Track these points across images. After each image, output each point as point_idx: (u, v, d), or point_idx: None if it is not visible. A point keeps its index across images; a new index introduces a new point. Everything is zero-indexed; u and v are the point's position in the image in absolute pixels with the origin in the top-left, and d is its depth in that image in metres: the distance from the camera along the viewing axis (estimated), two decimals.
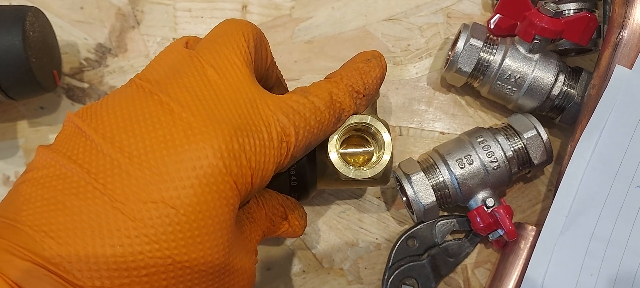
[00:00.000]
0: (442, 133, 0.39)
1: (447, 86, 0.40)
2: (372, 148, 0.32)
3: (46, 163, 0.23)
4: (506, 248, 0.36)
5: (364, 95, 0.29)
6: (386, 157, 0.30)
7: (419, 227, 0.37)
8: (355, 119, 0.30)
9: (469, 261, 0.38)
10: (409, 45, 0.40)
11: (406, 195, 0.36)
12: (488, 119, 0.40)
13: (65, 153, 0.23)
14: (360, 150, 0.32)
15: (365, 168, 0.30)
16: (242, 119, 0.24)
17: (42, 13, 0.35)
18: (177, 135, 0.22)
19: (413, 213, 0.36)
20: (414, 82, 0.40)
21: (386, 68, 0.30)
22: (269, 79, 0.31)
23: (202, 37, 0.39)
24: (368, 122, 0.30)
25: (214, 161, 0.22)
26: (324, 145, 0.29)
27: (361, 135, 0.32)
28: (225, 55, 0.25)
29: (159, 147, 0.22)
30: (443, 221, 0.37)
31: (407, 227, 0.38)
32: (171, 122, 0.23)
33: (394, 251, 0.36)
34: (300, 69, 0.40)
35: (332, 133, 0.29)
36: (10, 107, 0.38)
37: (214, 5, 0.40)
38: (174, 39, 0.39)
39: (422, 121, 0.39)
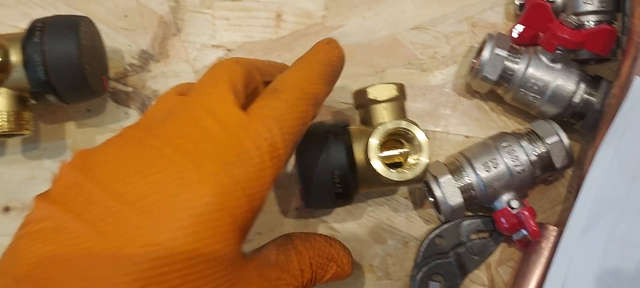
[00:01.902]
0: (467, 137, 0.41)
1: (471, 92, 0.42)
2: (407, 149, 0.34)
3: (43, 216, 0.23)
4: (529, 247, 0.38)
5: (333, 71, 0.30)
6: (424, 159, 0.32)
7: (445, 226, 0.39)
8: (391, 125, 0.32)
9: (493, 259, 0.40)
10: (435, 52, 0.42)
11: (434, 196, 0.38)
12: (511, 124, 0.42)
13: (62, 203, 0.23)
14: (396, 152, 0.34)
15: (406, 171, 0.32)
16: (232, 150, 0.24)
17: (93, 22, 0.37)
18: (170, 179, 0.23)
19: (440, 214, 0.38)
20: (440, 88, 0.42)
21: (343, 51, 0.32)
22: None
23: (237, 46, 0.41)
24: (404, 127, 0.32)
25: (207, 200, 0.22)
26: (364, 150, 0.31)
27: (395, 138, 0.34)
28: (214, 95, 0.26)
29: (153, 192, 0.22)
30: (468, 221, 0.39)
31: (433, 226, 0.40)
32: (163, 166, 0.23)
33: (423, 249, 0.39)
34: None
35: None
36: (59, 109, 0.40)
37: (250, 14, 0.42)
38: (213, 46, 0.42)
39: (447, 125, 0.41)
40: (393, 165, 0.34)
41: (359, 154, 0.34)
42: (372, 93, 0.35)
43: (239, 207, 0.23)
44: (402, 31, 0.42)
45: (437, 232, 0.39)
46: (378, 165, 0.31)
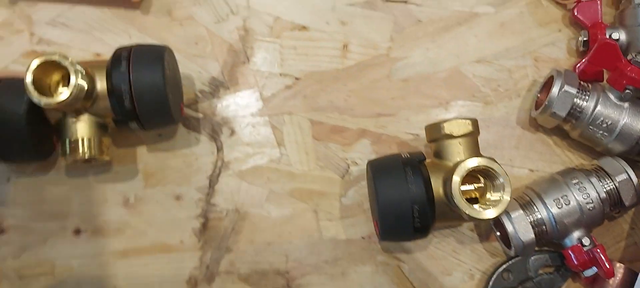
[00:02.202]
0: (531, 171, 0.42)
1: (535, 126, 0.42)
2: (482, 185, 0.35)
3: None
4: (595, 283, 0.38)
5: None
6: (507, 197, 0.32)
7: (513, 260, 0.39)
8: (473, 163, 0.32)
9: None
10: (498, 85, 0.43)
11: (502, 231, 0.38)
12: (575, 159, 0.42)
13: None
14: (471, 187, 0.35)
15: (490, 208, 0.32)
16: None
17: (172, 51, 0.38)
18: None
19: (510, 248, 0.38)
20: (503, 121, 0.42)
21: None
22: None
23: (304, 74, 0.42)
24: (489, 165, 0.32)
25: None
26: (442, 185, 0.32)
27: (471, 173, 0.35)
28: None
29: None
30: (536, 256, 0.39)
31: (498, 259, 0.40)
32: None
33: (491, 283, 0.39)
34: (397, 106, 0.42)
35: None
36: (132, 134, 0.41)
37: (317, 44, 0.43)
38: (281, 74, 0.42)
39: (512, 159, 0.42)
40: (469, 200, 0.34)
41: (436, 188, 0.34)
42: (448, 128, 0.35)
43: None
44: (465, 64, 0.43)
45: (505, 266, 0.39)
46: (463, 204, 0.32)
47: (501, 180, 0.33)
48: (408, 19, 0.43)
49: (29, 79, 0.32)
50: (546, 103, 0.39)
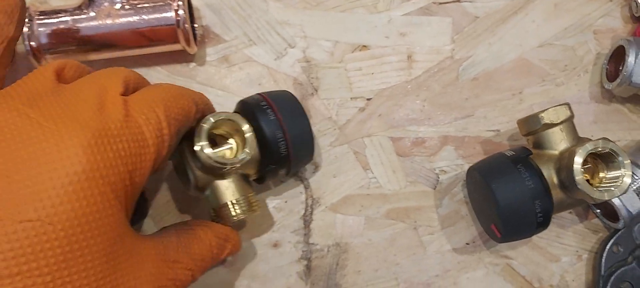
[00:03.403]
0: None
1: (608, 97, 0.43)
2: (590, 165, 0.35)
3: None
4: None
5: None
6: (628, 174, 0.32)
7: (620, 233, 0.39)
8: (592, 145, 0.32)
9: None
10: (565, 65, 0.43)
11: (605, 205, 0.38)
12: None
13: None
14: (582, 169, 0.35)
15: (612, 188, 0.32)
16: (115, 125, 0.24)
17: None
18: (48, 149, 0.22)
19: (616, 221, 0.38)
20: (577, 98, 0.43)
21: None
22: None
23: (374, 94, 0.41)
24: (606, 145, 0.32)
25: (85, 168, 0.22)
26: (556, 174, 0.32)
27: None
28: (104, 79, 0.27)
29: (30, 162, 0.22)
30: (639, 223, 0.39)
31: (601, 235, 0.41)
32: (41, 136, 0.22)
33: (604, 260, 0.39)
34: (472, 105, 0.42)
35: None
36: None
37: (382, 60, 0.42)
38: (351, 98, 0.42)
39: (593, 133, 0.42)
40: None
41: (549, 178, 0.34)
42: (547, 117, 0.35)
43: (119, 179, 0.24)
44: (529, 50, 0.43)
45: (612, 240, 0.39)
46: (588, 187, 0.32)
47: (620, 158, 0.33)
48: (465, 18, 0.43)
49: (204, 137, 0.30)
50: (624, 74, 0.39)
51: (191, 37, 0.38)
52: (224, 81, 0.41)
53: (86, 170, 0.22)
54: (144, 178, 0.26)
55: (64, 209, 0.21)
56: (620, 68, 0.40)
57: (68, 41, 0.37)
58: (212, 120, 0.31)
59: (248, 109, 0.34)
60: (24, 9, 0.30)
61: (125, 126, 0.25)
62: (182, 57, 0.41)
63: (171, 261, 0.27)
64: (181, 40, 0.38)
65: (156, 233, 0.30)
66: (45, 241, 0.21)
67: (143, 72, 0.41)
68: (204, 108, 0.32)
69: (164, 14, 0.37)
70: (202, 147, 0.30)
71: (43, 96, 0.25)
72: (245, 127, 0.32)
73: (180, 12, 0.37)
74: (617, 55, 0.41)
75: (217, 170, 0.32)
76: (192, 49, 0.39)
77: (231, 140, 0.33)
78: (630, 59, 0.39)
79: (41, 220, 0.21)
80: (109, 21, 0.37)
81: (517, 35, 0.43)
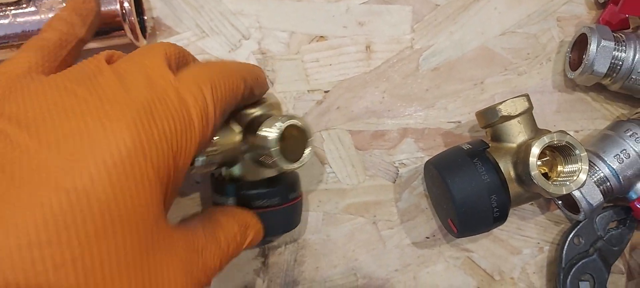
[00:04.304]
0: (576, 131, 0.41)
1: (571, 86, 0.42)
2: (548, 158, 0.34)
3: None
4: None
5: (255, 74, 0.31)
6: (585, 167, 0.32)
7: (581, 224, 0.39)
8: (548, 139, 0.31)
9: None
10: (528, 54, 0.42)
11: (567, 197, 0.38)
12: (614, 111, 0.42)
13: None
14: (539, 162, 0.34)
15: (569, 183, 0.32)
16: (160, 103, 0.24)
17: None
18: (92, 124, 0.22)
19: (577, 213, 0.38)
20: (540, 87, 0.42)
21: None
22: None
23: (332, 86, 0.40)
24: (561, 138, 0.32)
25: (129, 145, 0.22)
26: (513, 169, 0.31)
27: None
28: (147, 58, 0.26)
29: (73, 135, 0.22)
30: (602, 214, 0.39)
31: (563, 226, 0.40)
32: (86, 111, 0.22)
33: (565, 252, 0.38)
34: (433, 96, 0.41)
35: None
36: None
37: (340, 51, 0.41)
38: (309, 91, 0.40)
39: (556, 123, 0.41)
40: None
41: (505, 172, 0.34)
42: (505, 110, 0.34)
43: (163, 160, 0.23)
44: (491, 39, 0.42)
45: (574, 232, 0.39)
46: (544, 182, 0.31)
47: (577, 152, 0.32)
48: (426, 6, 0.42)
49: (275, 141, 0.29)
50: (585, 62, 0.38)
51: (138, 30, 0.36)
52: None
53: (129, 147, 0.22)
54: (187, 161, 0.25)
55: (101, 184, 0.21)
56: (584, 56, 0.39)
57: (9, 37, 0.35)
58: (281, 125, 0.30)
59: None
60: (98, 15, 0.31)
61: (171, 104, 0.24)
62: (132, 51, 0.39)
63: (200, 249, 0.27)
64: (128, 33, 0.36)
65: (183, 221, 0.29)
66: (79, 212, 0.20)
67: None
68: (253, 84, 0.31)
69: (109, 7, 0.35)
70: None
71: (91, 77, 0.24)
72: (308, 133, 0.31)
73: (126, 4, 0.35)
74: (581, 44, 0.40)
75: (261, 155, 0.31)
76: (141, 42, 0.37)
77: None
78: (593, 47, 0.38)
79: (77, 191, 0.20)
80: (51, 15, 0.35)
81: (480, 23, 0.42)
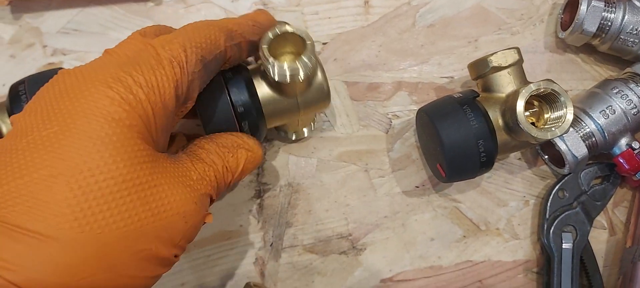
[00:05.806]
0: (567, 91, 0.42)
1: (562, 47, 0.43)
2: (536, 108, 0.35)
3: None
4: None
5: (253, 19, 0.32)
6: (570, 114, 0.33)
7: (566, 179, 0.40)
8: (535, 86, 0.33)
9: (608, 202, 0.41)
10: (522, 14, 0.43)
11: (553, 151, 0.39)
12: (603, 72, 0.43)
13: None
14: (528, 113, 0.35)
15: (554, 129, 0.33)
16: (127, 55, 0.26)
17: None
18: (82, 96, 0.24)
19: (562, 167, 0.39)
20: (532, 48, 0.43)
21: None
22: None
23: (331, 38, 0.41)
24: (547, 86, 0.33)
25: (105, 104, 0.24)
26: (501, 116, 0.32)
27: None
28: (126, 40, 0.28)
29: (69, 110, 0.24)
30: (586, 170, 0.40)
31: (549, 181, 0.42)
32: (75, 80, 0.25)
33: (549, 204, 0.40)
34: (428, 52, 0.42)
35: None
36: None
37: (339, 5, 0.42)
38: None
39: None
40: None
41: (494, 120, 0.35)
42: (496, 61, 0.36)
43: (140, 103, 0.25)
44: None
45: (558, 186, 0.40)
46: (530, 127, 0.32)
47: (562, 99, 0.33)
48: None
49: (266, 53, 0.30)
50: (576, 21, 0.39)
51: None
52: (180, 22, 0.41)
53: (106, 105, 0.24)
54: (165, 100, 0.26)
55: (93, 144, 0.23)
56: (575, 18, 0.40)
57: None
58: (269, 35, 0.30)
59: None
60: (252, 44, 0.32)
61: (139, 53, 0.26)
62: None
63: (193, 181, 0.28)
64: None
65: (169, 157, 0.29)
66: (114, 189, 0.23)
67: (99, 11, 0.41)
68: (246, 30, 0.31)
69: None
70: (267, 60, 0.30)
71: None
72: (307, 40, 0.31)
73: None
74: (572, 5, 0.42)
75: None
76: None
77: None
78: (583, 7, 0.39)
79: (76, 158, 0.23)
80: None
81: None
